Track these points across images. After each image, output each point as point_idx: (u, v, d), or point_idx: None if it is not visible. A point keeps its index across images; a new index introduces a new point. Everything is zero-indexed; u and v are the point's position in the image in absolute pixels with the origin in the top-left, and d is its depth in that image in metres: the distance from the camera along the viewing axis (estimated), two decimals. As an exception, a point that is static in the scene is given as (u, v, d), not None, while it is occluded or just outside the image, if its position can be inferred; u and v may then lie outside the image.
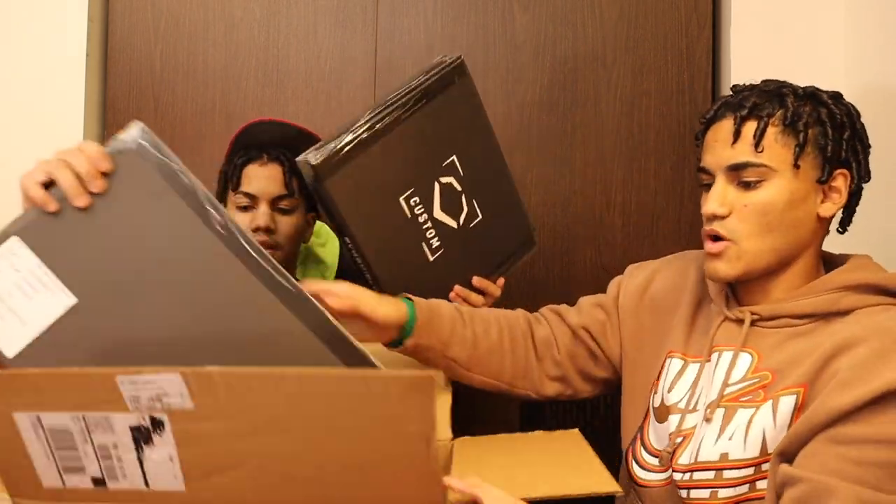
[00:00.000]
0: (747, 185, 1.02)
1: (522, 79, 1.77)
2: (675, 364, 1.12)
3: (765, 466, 0.97)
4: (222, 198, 1.45)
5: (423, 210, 1.16)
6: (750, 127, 1.02)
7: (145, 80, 1.80)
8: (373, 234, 1.14)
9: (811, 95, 1.05)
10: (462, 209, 1.19)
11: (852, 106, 1.07)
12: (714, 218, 1.04)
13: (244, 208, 1.40)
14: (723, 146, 1.04)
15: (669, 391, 1.10)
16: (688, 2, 1.74)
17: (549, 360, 1.21)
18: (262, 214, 1.38)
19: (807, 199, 1.02)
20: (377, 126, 1.11)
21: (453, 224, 1.18)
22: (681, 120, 1.75)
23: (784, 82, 1.08)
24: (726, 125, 1.04)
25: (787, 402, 0.97)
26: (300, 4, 1.81)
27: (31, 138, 1.74)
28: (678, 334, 1.14)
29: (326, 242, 1.60)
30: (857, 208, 1.08)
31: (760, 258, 1.03)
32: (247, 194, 1.39)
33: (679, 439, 1.06)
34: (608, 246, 1.76)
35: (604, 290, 1.26)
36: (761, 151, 1.01)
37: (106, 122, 1.80)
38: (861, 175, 1.05)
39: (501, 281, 1.33)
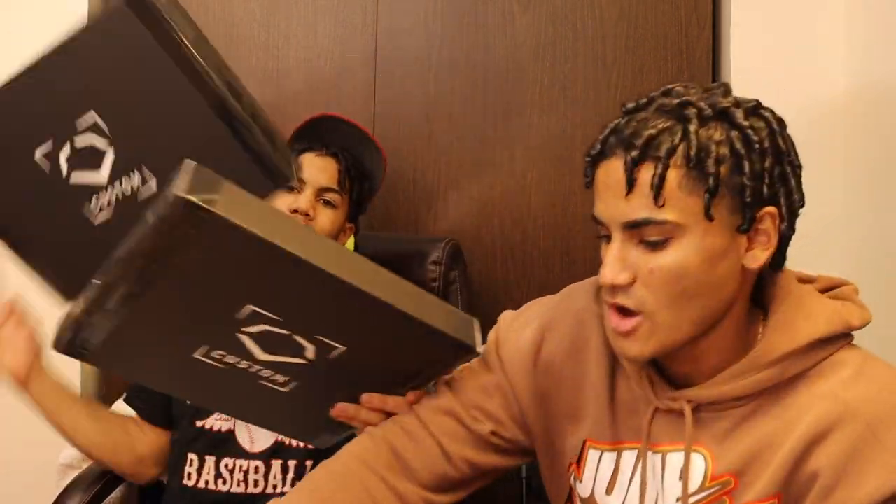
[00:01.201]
0: (652, 245, 0.81)
1: (522, 79, 1.77)
2: (605, 458, 0.94)
3: None
4: None
5: (237, 360, 0.92)
6: (646, 172, 0.80)
7: (145, 80, 1.80)
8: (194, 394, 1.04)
9: (721, 114, 0.82)
10: (303, 347, 0.90)
11: (773, 116, 0.85)
12: (615, 288, 0.83)
13: (290, 189, 1.42)
14: (615, 196, 0.82)
15: (608, 493, 0.94)
16: (688, 2, 1.74)
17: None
18: (304, 199, 1.40)
19: (727, 252, 0.82)
20: (121, 291, 0.81)
21: (298, 361, 0.92)
22: (681, 120, 1.75)
23: (686, 96, 0.83)
24: (616, 168, 0.81)
25: None
26: (300, 4, 1.81)
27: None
28: (597, 418, 0.95)
29: None
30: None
31: (678, 332, 0.83)
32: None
33: None
34: (608, 246, 1.76)
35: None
36: (662, 205, 0.79)
37: (106, 122, 1.80)
38: (792, 208, 0.85)
39: (411, 397, 1.01)
